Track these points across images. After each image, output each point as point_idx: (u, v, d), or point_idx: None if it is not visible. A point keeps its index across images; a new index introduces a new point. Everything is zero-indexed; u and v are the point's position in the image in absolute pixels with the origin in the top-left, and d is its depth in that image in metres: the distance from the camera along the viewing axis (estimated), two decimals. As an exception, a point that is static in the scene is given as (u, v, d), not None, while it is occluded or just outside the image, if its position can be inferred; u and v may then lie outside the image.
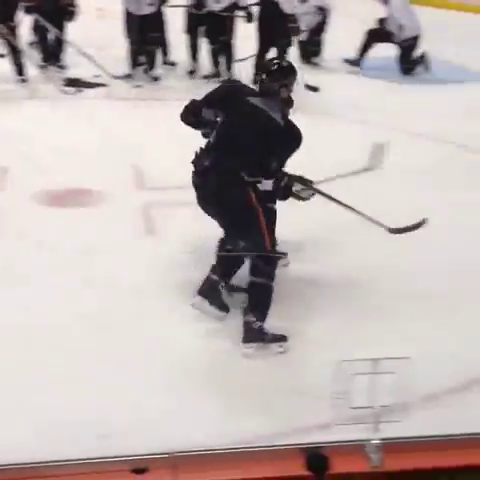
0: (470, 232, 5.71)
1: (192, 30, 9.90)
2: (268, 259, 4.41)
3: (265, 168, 4.41)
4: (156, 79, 9.76)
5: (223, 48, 9.78)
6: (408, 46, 10.50)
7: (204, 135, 4.71)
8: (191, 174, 4.54)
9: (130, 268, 5.13)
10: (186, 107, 4.78)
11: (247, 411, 3.82)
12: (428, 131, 7.77)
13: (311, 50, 10.84)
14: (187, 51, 9.98)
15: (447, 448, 2.52)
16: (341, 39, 10.62)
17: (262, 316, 4.36)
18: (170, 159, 6.63)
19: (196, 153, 4.53)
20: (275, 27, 9.43)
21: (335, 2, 11.07)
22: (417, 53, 10.57)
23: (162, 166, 6.72)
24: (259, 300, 4.40)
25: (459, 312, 4.77)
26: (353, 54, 10.76)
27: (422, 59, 10.52)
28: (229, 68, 9.77)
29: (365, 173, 5.45)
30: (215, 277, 4.62)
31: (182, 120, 4.78)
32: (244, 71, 9.39)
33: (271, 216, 4.64)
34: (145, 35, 9.50)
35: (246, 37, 9.69)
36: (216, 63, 9.86)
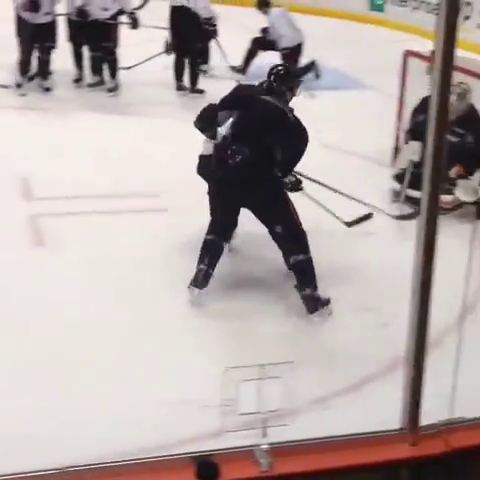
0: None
1: (75, 38, 9.74)
2: (301, 237, 4.92)
3: (273, 159, 4.87)
4: (48, 89, 9.51)
5: (106, 56, 9.70)
6: (290, 55, 10.64)
7: (211, 138, 5.16)
8: (214, 170, 5.07)
9: (19, 280, 5.07)
10: (203, 111, 5.28)
11: (136, 421, 3.80)
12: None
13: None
14: (72, 59, 9.84)
15: (335, 449, 2.57)
16: (228, 47, 10.68)
17: (315, 285, 4.87)
18: (57, 169, 6.58)
19: (216, 150, 5.05)
20: (189, 32, 9.59)
21: (222, 11, 11.15)
22: (304, 61, 10.74)
23: (49, 176, 6.63)
24: (307, 273, 4.88)
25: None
26: (239, 62, 10.87)
27: (311, 67, 10.69)
28: (114, 76, 9.69)
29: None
30: (203, 266, 4.94)
31: (195, 125, 5.28)
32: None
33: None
34: (39, 44, 9.31)
35: (134, 44, 9.69)
36: (100, 71, 9.77)
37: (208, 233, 5.07)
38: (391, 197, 6.50)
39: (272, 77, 5.11)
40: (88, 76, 9.82)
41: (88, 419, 3.77)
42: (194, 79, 9.95)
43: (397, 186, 6.50)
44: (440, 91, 2.12)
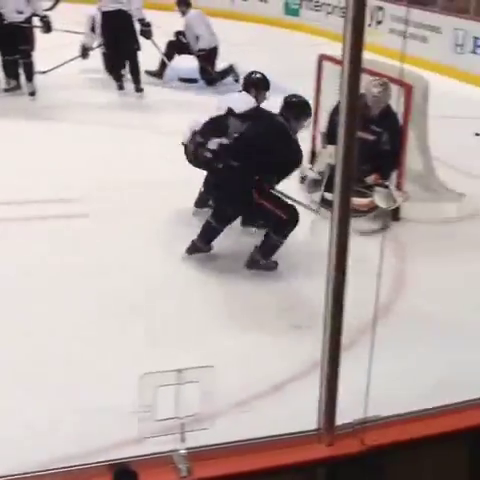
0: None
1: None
2: (282, 226, 5.43)
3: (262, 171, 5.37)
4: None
5: (23, 59, 9.56)
6: (206, 57, 10.68)
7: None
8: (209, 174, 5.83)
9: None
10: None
11: (53, 429, 3.75)
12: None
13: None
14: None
15: (253, 452, 2.58)
16: (144, 51, 10.66)
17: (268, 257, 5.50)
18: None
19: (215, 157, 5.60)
20: (126, 34, 9.82)
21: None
22: (223, 65, 10.78)
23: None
24: (271, 250, 5.51)
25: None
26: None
27: (229, 71, 10.73)
28: (30, 79, 9.57)
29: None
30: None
31: None
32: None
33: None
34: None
35: (46, 49, 9.58)
36: (16, 75, 9.62)
37: (210, 216, 5.62)
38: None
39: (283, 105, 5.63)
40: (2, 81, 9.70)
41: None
42: (138, 79, 10.16)
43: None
44: (349, 94, 2.15)
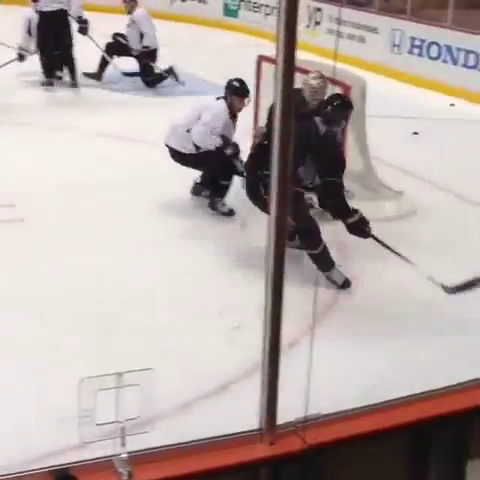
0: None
1: None
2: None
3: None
4: None
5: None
6: (147, 57, 10.65)
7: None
8: None
9: None
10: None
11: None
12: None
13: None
14: None
15: (195, 453, 2.57)
16: (82, 53, 10.57)
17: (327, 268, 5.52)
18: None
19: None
20: (65, 31, 10.00)
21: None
22: (163, 66, 10.74)
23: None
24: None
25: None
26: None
27: (169, 72, 10.70)
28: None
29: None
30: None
31: None
32: None
33: None
34: None
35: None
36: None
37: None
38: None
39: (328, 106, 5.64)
40: None
41: None
42: (74, 73, 10.34)
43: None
44: (282, 93, 2.16)
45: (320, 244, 5.47)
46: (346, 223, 5.34)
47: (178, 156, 6.54)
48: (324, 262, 5.49)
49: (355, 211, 5.32)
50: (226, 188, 6.52)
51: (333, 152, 5.53)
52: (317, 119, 5.53)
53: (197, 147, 6.43)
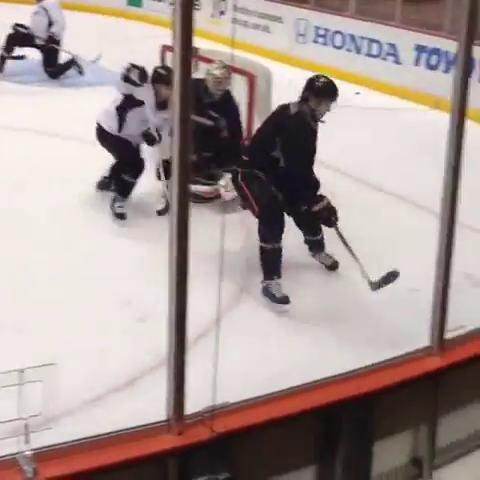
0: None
1: None
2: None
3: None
4: None
5: None
6: (49, 50, 10.47)
7: None
8: None
9: None
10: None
11: None
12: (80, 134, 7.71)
13: None
14: None
15: (101, 447, 2.54)
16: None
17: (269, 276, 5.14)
18: None
19: None
20: None
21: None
22: (66, 57, 10.57)
23: None
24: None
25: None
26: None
27: (72, 63, 10.53)
28: None
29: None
30: None
31: None
32: None
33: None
34: None
35: None
36: None
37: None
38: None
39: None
40: None
41: None
42: None
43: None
44: (180, 80, 2.14)
45: (275, 242, 5.16)
46: (312, 211, 5.18)
47: (100, 133, 6.41)
48: (269, 266, 5.18)
49: (321, 197, 5.20)
50: (130, 187, 6.34)
51: (299, 136, 5.24)
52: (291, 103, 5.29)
53: (120, 128, 6.30)
